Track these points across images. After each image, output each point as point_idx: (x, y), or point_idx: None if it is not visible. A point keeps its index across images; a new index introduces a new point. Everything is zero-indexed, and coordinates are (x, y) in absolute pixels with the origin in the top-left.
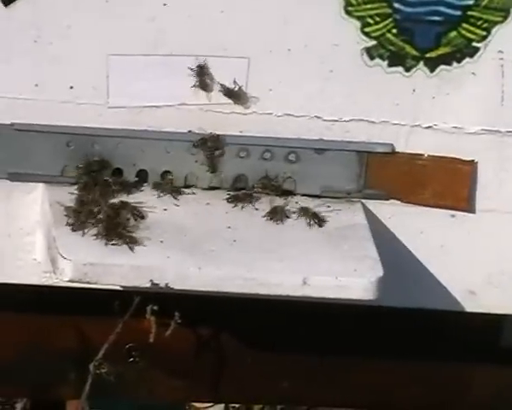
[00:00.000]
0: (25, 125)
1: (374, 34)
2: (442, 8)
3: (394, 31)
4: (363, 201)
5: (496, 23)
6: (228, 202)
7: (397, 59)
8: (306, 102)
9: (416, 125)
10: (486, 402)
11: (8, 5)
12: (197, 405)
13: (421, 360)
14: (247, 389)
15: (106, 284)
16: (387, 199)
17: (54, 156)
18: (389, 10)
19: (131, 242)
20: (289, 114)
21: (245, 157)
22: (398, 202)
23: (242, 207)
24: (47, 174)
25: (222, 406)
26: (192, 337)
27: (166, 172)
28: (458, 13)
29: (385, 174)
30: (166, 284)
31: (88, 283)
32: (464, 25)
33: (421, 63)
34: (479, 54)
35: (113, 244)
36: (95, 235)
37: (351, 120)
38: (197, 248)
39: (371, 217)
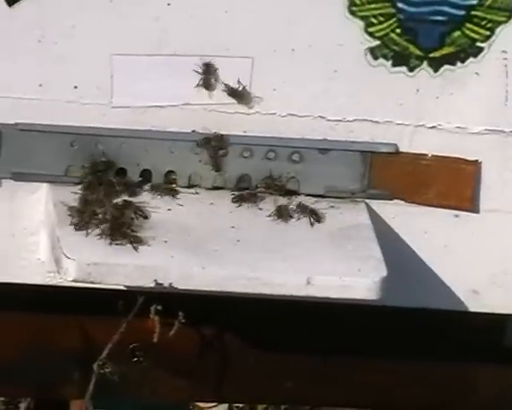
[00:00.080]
0: (29, 124)
1: (377, 34)
2: (446, 8)
3: (398, 31)
4: (367, 201)
5: (500, 23)
6: (232, 201)
7: (401, 59)
8: (310, 102)
9: (419, 125)
10: (490, 402)
11: (13, 5)
12: (201, 405)
13: (424, 360)
14: (250, 389)
15: (110, 284)
16: (391, 199)
17: (58, 156)
18: (393, 10)
19: (135, 241)
20: (293, 114)
21: (249, 157)
22: (402, 202)
23: (248, 207)
24: (51, 174)
25: (226, 405)
26: (196, 337)
27: (170, 172)
28: (462, 13)
29: (389, 174)
30: (170, 284)
31: (92, 282)
32: (468, 25)
33: (425, 63)
34: (482, 54)
35: (117, 244)
36: (99, 235)
37: (354, 119)
38: (201, 248)
39: (375, 217)
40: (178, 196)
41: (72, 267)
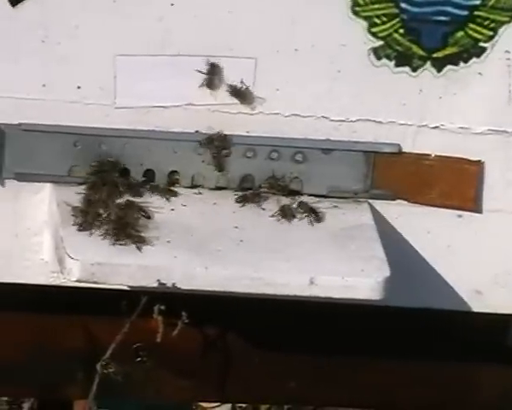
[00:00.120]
0: (32, 125)
1: (381, 34)
2: (449, 9)
3: (401, 31)
4: (370, 201)
5: (503, 23)
6: (236, 201)
7: (404, 59)
8: (313, 102)
9: (422, 126)
10: (493, 402)
11: (16, 5)
12: (204, 405)
13: (427, 360)
14: (253, 389)
15: (113, 284)
16: (394, 199)
17: (61, 156)
18: (396, 10)
19: (139, 242)
20: (296, 114)
21: (252, 157)
22: (405, 203)
23: (251, 207)
24: (54, 174)
25: (229, 406)
26: (199, 337)
27: (173, 172)
28: (465, 13)
29: (392, 174)
30: (173, 284)
31: (95, 283)
32: (471, 25)
33: (428, 63)
34: (486, 54)
35: (120, 244)
36: (102, 235)
37: (358, 120)
38: (204, 248)
39: (378, 217)
40: (180, 196)
41: (76, 267)
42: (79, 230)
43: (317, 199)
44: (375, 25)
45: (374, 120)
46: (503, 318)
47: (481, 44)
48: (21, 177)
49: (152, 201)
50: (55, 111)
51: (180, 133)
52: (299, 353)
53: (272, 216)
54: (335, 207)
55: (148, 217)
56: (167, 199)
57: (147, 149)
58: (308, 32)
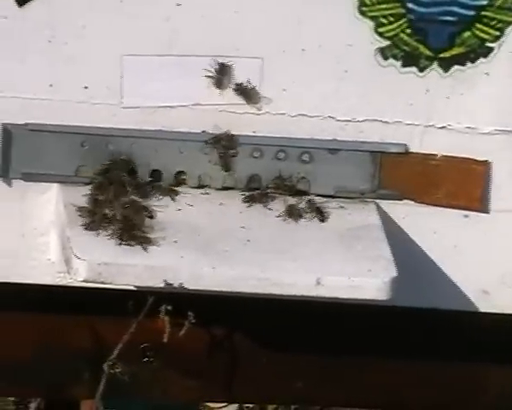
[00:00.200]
0: (39, 125)
1: (388, 34)
2: (456, 9)
3: (408, 31)
4: (377, 201)
5: (509, 23)
6: (243, 201)
7: (411, 59)
8: (320, 102)
9: (429, 126)
10: (500, 402)
11: (23, 5)
12: (211, 405)
13: (434, 360)
14: (260, 389)
15: (120, 284)
16: (401, 199)
17: (68, 156)
18: (403, 10)
19: (145, 242)
20: (303, 114)
21: (259, 157)
22: (412, 203)
23: (258, 207)
24: (61, 174)
25: (236, 406)
26: (206, 337)
27: (180, 173)
28: (472, 13)
29: (398, 174)
30: (180, 284)
31: (102, 283)
32: (478, 25)
33: (435, 63)
34: (492, 54)
35: (127, 244)
36: (109, 235)
37: (364, 120)
38: (211, 248)
39: (385, 217)
40: (187, 196)
41: (83, 268)
42: (86, 230)
43: (324, 199)
44: (382, 25)
45: (380, 120)
46: (510, 318)
47: (488, 44)
48: (28, 177)
49: (158, 201)
50: (62, 111)
51: (187, 133)
52: (306, 353)
53: (279, 216)
54: (342, 207)
55: (155, 217)
56: (174, 199)
57: (154, 149)
58: (315, 32)
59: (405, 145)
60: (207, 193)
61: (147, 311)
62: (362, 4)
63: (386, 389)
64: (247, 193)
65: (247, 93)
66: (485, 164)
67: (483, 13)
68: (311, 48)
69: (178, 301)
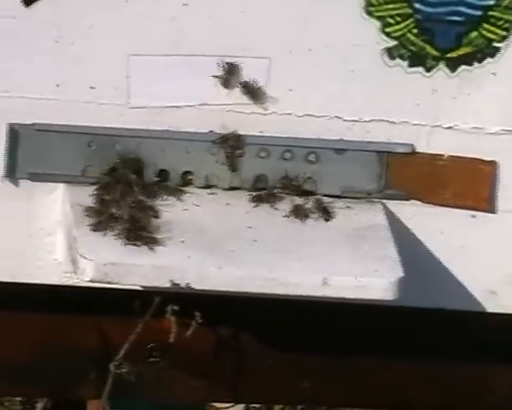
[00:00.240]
0: (46, 125)
1: (394, 34)
2: (463, 9)
3: (415, 31)
4: (384, 201)
5: None
6: (251, 201)
7: (417, 59)
8: (327, 102)
9: (436, 126)
10: (507, 403)
11: (30, 5)
12: (217, 405)
13: (441, 361)
14: (267, 390)
15: (126, 284)
16: (408, 199)
17: (75, 156)
18: (410, 10)
19: (152, 242)
20: (310, 115)
21: (265, 157)
22: (419, 203)
23: (264, 207)
24: (68, 174)
25: (242, 406)
26: (212, 337)
27: (187, 173)
28: (479, 13)
29: (405, 175)
30: (187, 284)
31: (109, 283)
32: (485, 25)
33: (442, 63)
34: (500, 54)
35: (133, 244)
36: (115, 235)
37: (371, 120)
38: (217, 248)
39: (391, 217)
40: (194, 196)
41: (89, 268)
42: (93, 230)
43: (331, 199)
44: (389, 25)
45: (387, 120)
46: None
47: (495, 44)
48: (35, 177)
49: (165, 201)
50: (69, 111)
51: (194, 133)
52: (313, 353)
53: (285, 216)
54: (348, 207)
55: (162, 217)
56: (180, 199)
57: (160, 149)
58: (321, 32)
59: (412, 145)
60: (214, 193)
61: (153, 311)
62: (369, 4)
63: (392, 389)
64: (254, 193)
65: (253, 93)
66: (492, 164)
67: (490, 13)
68: (318, 48)
69: (185, 301)
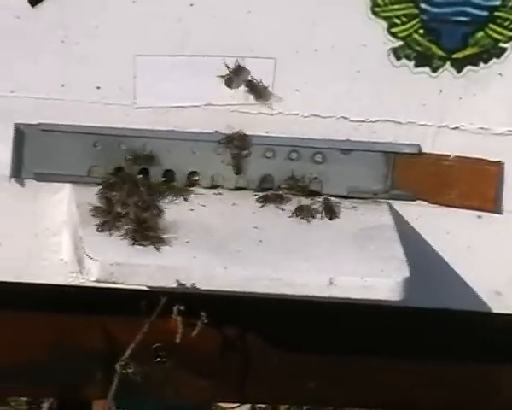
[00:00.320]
0: (51, 125)
1: (401, 35)
2: (469, 9)
3: (421, 31)
4: (390, 201)
5: None
6: (257, 202)
7: (423, 59)
8: (333, 102)
9: (442, 126)
10: None
11: (36, 5)
12: (223, 405)
13: (446, 361)
14: (273, 390)
15: (132, 285)
16: (414, 200)
17: (80, 156)
18: (416, 11)
19: (158, 242)
20: (316, 115)
21: (271, 158)
22: (425, 203)
23: (270, 208)
24: (73, 174)
25: (248, 406)
26: (218, 337)
27: (193, 173)
28: (485, 13)
29: (411, 175)
30: (193, 285)
31: (114, 283)
32: (491, 25)
33: (448, 64)
34: (506, 54)
35: (139, 244)
36: (121, 235)
37: (377, 120)
38: (223, 249)
39: (398, 218)
40: (199, 196)
41: (95, 268)
42: (98, 230)
43: (337, 199)
44: (395, 25)
45: (393, 121)
46: None
47: (501, 45)
48: (40, 177)
49: (171, 201)
50: (75, 111)
51: (199, 133)
52: (318, 353)
53: (291, 216)
54: (355, 207)
55: (167, 217)
56: (186, 199)
57: (166, 149)
58: (328, 33)
59: (418, 146)
60: (220, 193)
61: (159, 311)
62: (375, 5)
63: (398, 389)
64: (260, 193)
65: (259, 93)
66: (499, 164)
67: (496, 13)
68: (324, 48)
69: (191, 301)
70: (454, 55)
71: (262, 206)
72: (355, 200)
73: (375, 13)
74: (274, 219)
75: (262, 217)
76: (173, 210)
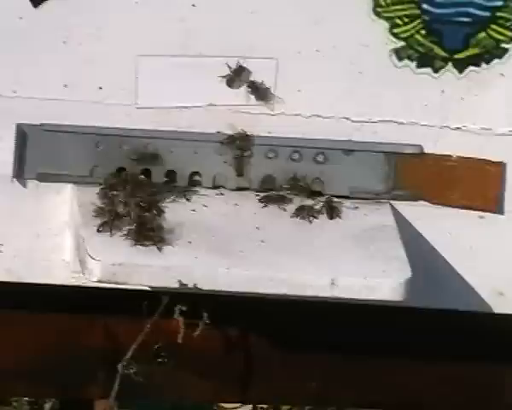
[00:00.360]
0: (54, 125)
1: (402, 35)
2: (471, 10)
3: (423, 32)
4: (392, 202)
5: None
6: (260, 202)
7: (425, 60)
8: (335, 102)
9: (444, 127)
10: None
11: (38, 6)
12: (225, 405)
13: (450, 361)
14: (275, 390)
15: (134, 285)
16: (416, 200)
17: (83, 157)
18: (418, 11)
19: (160, 242)
20: (318, 115)
21: (273, 158)
22: (427, 204)
23: (272, 208)
24: (76, 175)
25: (250, 406)
26: (220, 338)
27: (195, 173)
28: (487, 14)
29: (413, 175)
30: (195, 285)
31: (116, 283)
32: (493, 26)
33: (450, 64)
34: (508, 55)
35: (141, 245)
36: (123, 235)
37: (379, 121)
38: (225, 249)
39: (399, 218)
40: (201, 196)
41: (97, 268)
42: (101, 230)
43: (339, 200)
44: (397, 26)
45: (395, 121)
46: None
47: (503, 45)
48: (43, 177)
49: (173, 201)
50: (77, 111)
51: (201, 134)
52: (321, 354)
53: (293, 217)
54: (357, 208)
55: (169, 218)
56: (188, 200)
57: (168, 149)
58: (329, 33)
59: (420, 146)
60: (222, 194)
61: (161, 311)
62: (377, 5)
63: (401, 390)
64: (262, 194)
65: (261, 94)
66: (501, 165)
67: (498, 14)
68: (326, 49)
69: (193, 301)
70: (456, 56)
71: (264, 206)
72: (357, 200)
73: (377, 13)
74: (276, 219)
75: (264, 217)
76: (175, 210)
